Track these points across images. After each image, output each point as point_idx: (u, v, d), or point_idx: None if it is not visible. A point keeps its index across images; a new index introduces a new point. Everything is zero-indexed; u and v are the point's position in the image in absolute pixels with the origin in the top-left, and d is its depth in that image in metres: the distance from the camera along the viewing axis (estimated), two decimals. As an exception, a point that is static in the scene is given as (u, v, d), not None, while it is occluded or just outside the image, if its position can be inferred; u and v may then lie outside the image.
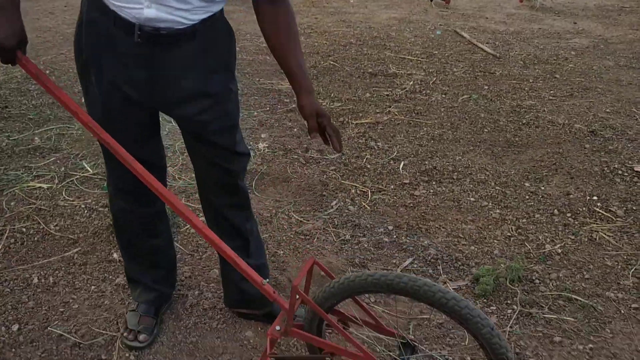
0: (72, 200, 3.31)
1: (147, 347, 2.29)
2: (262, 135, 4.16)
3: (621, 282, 2.70)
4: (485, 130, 4.32)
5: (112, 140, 1.73)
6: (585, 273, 2.76)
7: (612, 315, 2.51)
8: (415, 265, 2.80)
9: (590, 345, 2.34)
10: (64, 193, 3.39)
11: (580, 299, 2.59)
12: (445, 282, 2.68)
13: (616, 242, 3.00)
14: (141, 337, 2.28)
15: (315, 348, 1.94)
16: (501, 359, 1.62)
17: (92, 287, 2.63)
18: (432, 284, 1.62)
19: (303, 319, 1.92)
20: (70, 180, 3.52)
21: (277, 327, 1.85)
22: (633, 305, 2.56)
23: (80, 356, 2.25)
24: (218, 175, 2.07)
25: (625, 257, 2.88)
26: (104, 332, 2.36)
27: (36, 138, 4.05)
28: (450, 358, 2.26)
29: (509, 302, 2.57)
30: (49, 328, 2.38)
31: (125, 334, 2.31)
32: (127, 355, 2.26)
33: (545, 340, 2.37)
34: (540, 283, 2.69)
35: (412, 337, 1.85)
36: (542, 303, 2.56)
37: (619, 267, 2.81)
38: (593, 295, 2.62)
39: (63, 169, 3.65)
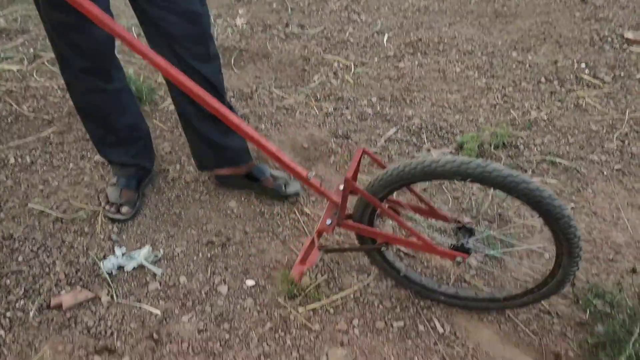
0: (44, 82, 3.19)
1: (130, 220, 2.28)
2: (240, 11, 3.97)
3: (605, 146, 2.69)
4: (473, 0, 4.14)
5: (120, 29, 1.57)
6: (569, 138, 2.75)
7: (595, 176, 2.52)
8: (399, 135, 2.76)
9: (572, 205, 2.36)
10: (34, 74, 3.25)
11: (563, 162, 2.58)
12: (429, 150, 2.65)
13: (602, 107, 2.96)
14: (123, 209, 2.27)
15: (366, 239, 1.90)
16: (573, 245, 1.58)
17: (71, 164, 2.58)
18: (502, 168, 1.50)
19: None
20: (41, 62, 3.38)
21: (328, 221, 1.80)
22: (615, 167, 2.56)
23: (63, 230, 2.24)
24: (186, 25, 1.91)
25: (610, 121, 2.85)
26: (85, 207, 2.34)
27: (1, 20, 3.84)
28: (510, 239, 2.24)
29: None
30: (29, 205, 2.35)
31: (107, 207, 2.29)
32: (110, 227, 2.25)
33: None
34: (524, 148, 2.67)
35: (469, 220, 1.78)
36: (526, 167, 2.56)
37: (604, 131, 2.79)
38: (577, 158, 2.62)
39: (32, 50, 3.49)
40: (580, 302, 1.97)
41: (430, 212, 1.83)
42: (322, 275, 2.06)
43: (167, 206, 2.35)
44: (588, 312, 1.94)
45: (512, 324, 1.94)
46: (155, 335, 1.86)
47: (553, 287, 1.74)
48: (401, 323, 1.91)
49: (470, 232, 1.76)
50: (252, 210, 2.34)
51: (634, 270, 2.06)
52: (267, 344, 1.84)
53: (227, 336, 1.87)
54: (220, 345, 1.84)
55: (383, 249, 1.90)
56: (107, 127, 2.20)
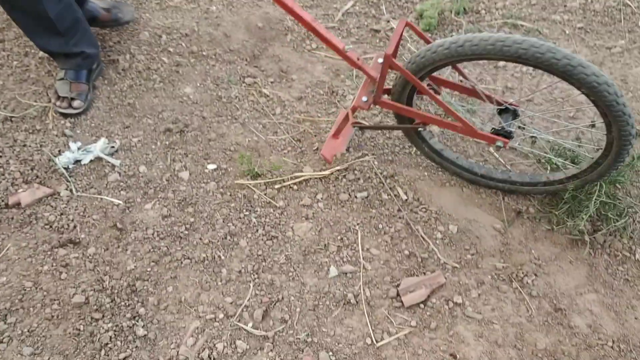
0: (-25, -24, 2.95)
1: (82, 113, 2.20)
2: None
3: (567, 5, 2.62)
4: None
5: None
6: (532, -1, 2.67)
7: (557, 36, 2.47)
8: (357, 8, 2.65)
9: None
10: (-36, -31, 3.00)
11: (525, 24, 2.52)
12: (388, 21, 2.56)
13: (566, -35, 2.85)
14: (75, 103, 2.18)
15: (404, 118, 1.80)
16: (621, 124, 1.52)
17: (15, 62, 2.44)
18: (556, 49, 1.40)
19: None
20: (-31, -45, 3.11)
21: (364, 98, 1.69)
22: (578, 25, 2.51)
23: (13, 129, 2.16)
24: None
25: (574, -20, 2.76)
26: (34, 104, 2.24)
27: None
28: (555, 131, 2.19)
29: (454, 34, 2.49)
30: (-25, 107, 2.25)
31: (57, 103, 2.19)
32: (62, 122, 2.17)
33: (489, 66, 2.35)
34: (486, 13, 2.59)
35: (514, 101, 1.67)
36: (487, 31, 2.49)
37: (567, -10, 2.71)
38: (539, 19, 2.55)
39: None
40: (542, 160, 1.99)
41: (473, 93, 1.73)
42: (284, 156, 2.03)
43: (120, 97, 2.27)
44: (549, 169, 1.97)
45: (474, 188, 1.96)
46: (119, 225, 1.85)
47: (604, 168, 1.71)
48: (365, 193, 1.92)
49: (514, 114, 1.67)
50: (209, 96, 2.27)
51: (592, 126, 2.07)
52: (233, 224, 1.85)
53: (192, 219, 1.86)
54: (186, 228, 1.85)
55: (420, 129, 1.83)
56: (34, 13, 2.02)
